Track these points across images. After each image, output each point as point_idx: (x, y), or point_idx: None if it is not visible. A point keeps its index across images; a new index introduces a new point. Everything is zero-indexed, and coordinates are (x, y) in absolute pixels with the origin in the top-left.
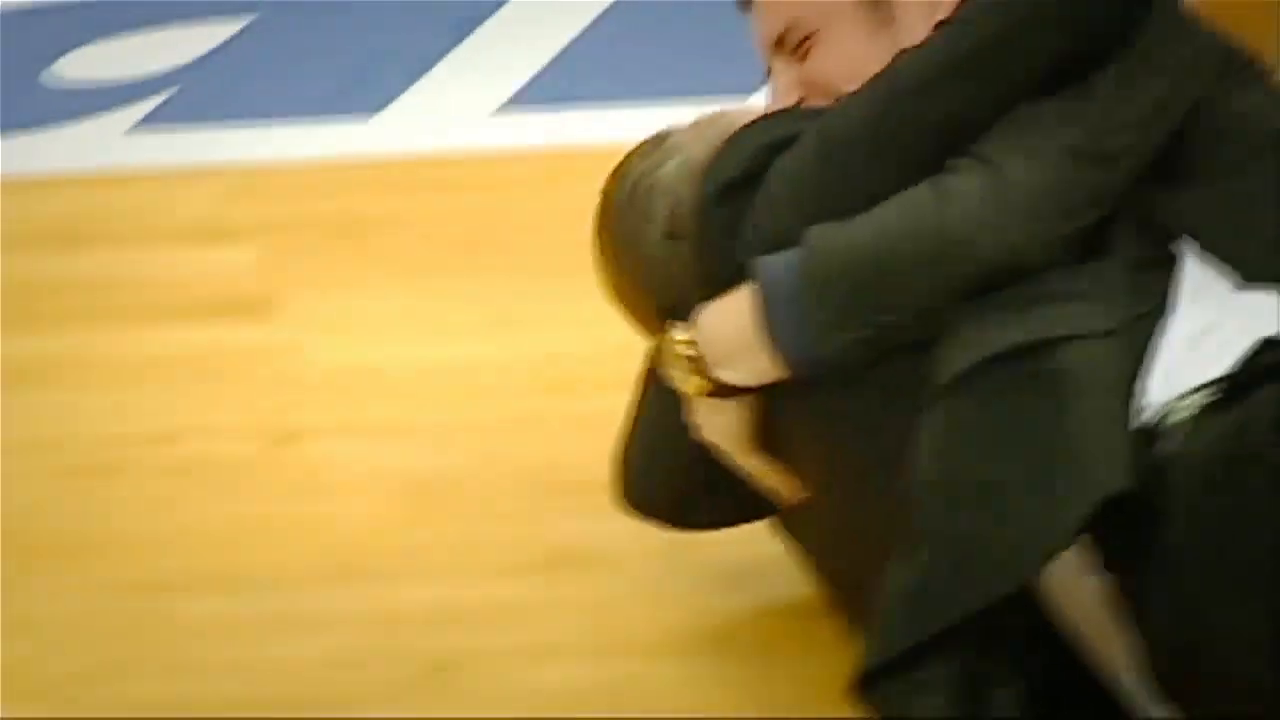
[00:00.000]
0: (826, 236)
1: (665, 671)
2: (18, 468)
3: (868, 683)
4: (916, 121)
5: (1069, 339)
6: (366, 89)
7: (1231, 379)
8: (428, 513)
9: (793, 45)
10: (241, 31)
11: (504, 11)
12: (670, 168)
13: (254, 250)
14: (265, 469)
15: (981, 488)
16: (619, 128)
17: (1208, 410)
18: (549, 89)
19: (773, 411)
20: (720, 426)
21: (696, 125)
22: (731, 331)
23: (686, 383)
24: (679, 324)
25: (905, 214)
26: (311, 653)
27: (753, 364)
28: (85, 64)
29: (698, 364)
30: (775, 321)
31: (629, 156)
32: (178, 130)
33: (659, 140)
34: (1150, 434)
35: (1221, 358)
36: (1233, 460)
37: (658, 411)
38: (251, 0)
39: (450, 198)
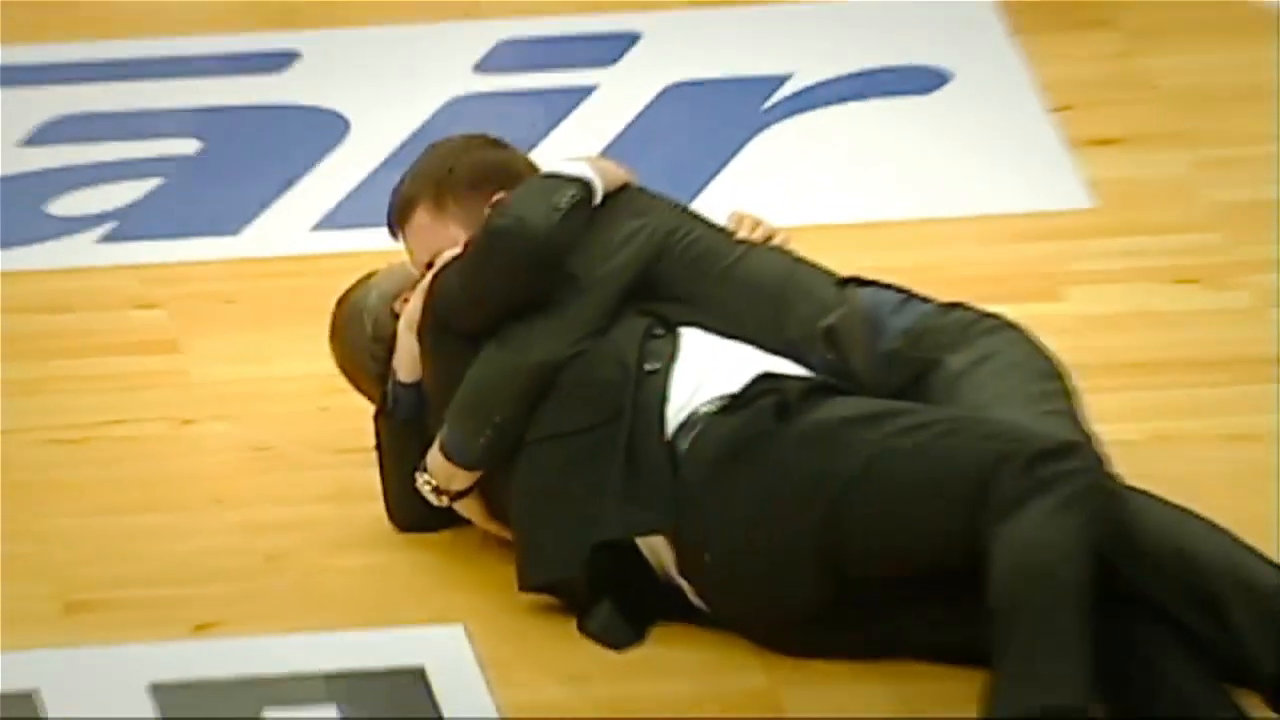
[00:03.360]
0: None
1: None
2: (16, 437)
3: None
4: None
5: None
6: (233, 217)
7: (735, 397)
8: (266, 467)
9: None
10: (156, 188)
11: (321, 165)
12: (373, 297)
13: (166, 312)
14: (173, 440)
15: (557, 503)
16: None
17: (715, 416)
18: (348, 215)
19: (489, 492)
20: (467, 510)
21: (390, 269)
22: (439, 465)
23: (438, 500)
24: (420, 472)
25: (482, 362)
26: (198, 545)
27: (456, 477)
28: (68, 204)
29: (437, 489)
30: (447, 450)
31: (349, 290)
32: (123, 243)
33: (366, 278)
34: (673, 440)
35: (724, 386)
36: (749, 438)
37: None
38: (166, 158)
39: (286, 282)
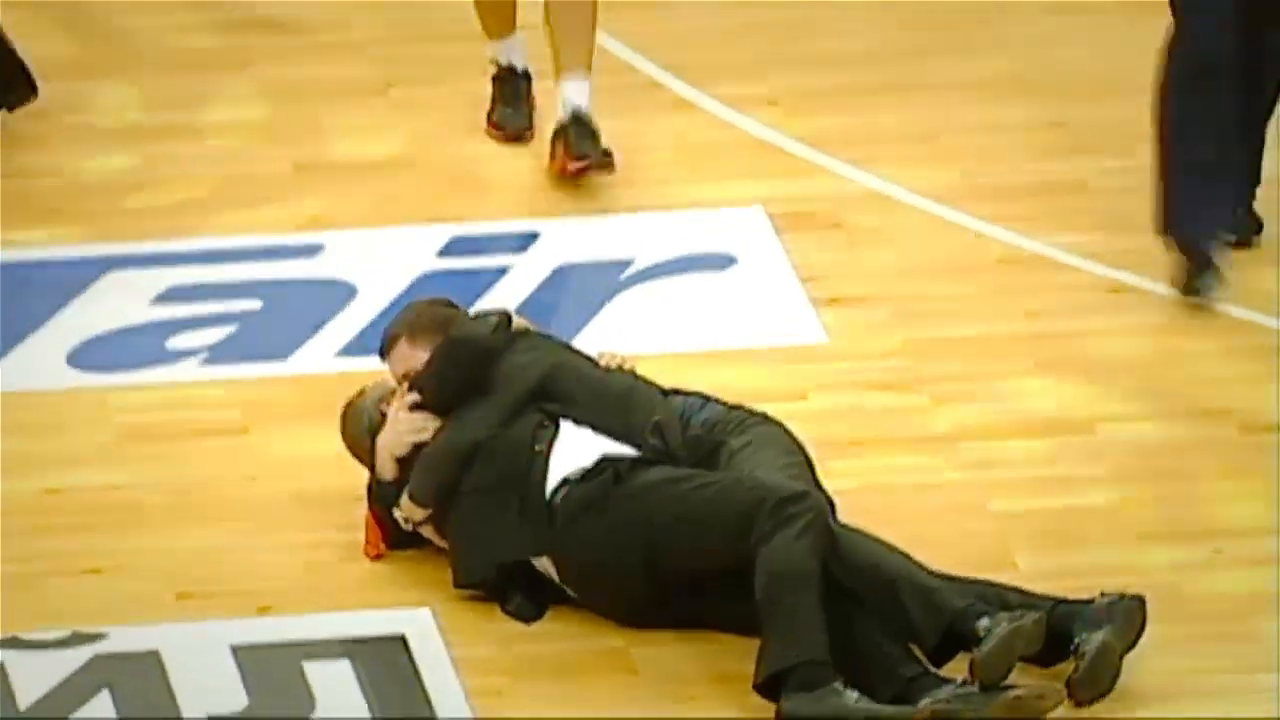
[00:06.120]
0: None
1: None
2: (136, 483)
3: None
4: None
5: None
6: (284, 348)
7: (588, 470)
8: (306, 506)
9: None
10: (234, 331)
11: (339, 316)
12: (368, 402)
13: (239, 410)
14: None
15: (477, 532)
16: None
17: (576, 482)
18: (357, 346)
19: (438, 522)
20: (426, 532)
21: (378, 383)
22: (406, 503)
23: (405, 525)
24: (395, 509)
25: (436, 441)
26: (261, 558)
27: (416, 512)
28: (178, 341)
29: (405, 519)
30: (411, 494)
31: (352, 398)
32: (215, 365)
33: (362, 391)
34: (550, 497)
35: (582, 462)
36: (596, 496)
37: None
38: (240, 313)
39: (318, 387)
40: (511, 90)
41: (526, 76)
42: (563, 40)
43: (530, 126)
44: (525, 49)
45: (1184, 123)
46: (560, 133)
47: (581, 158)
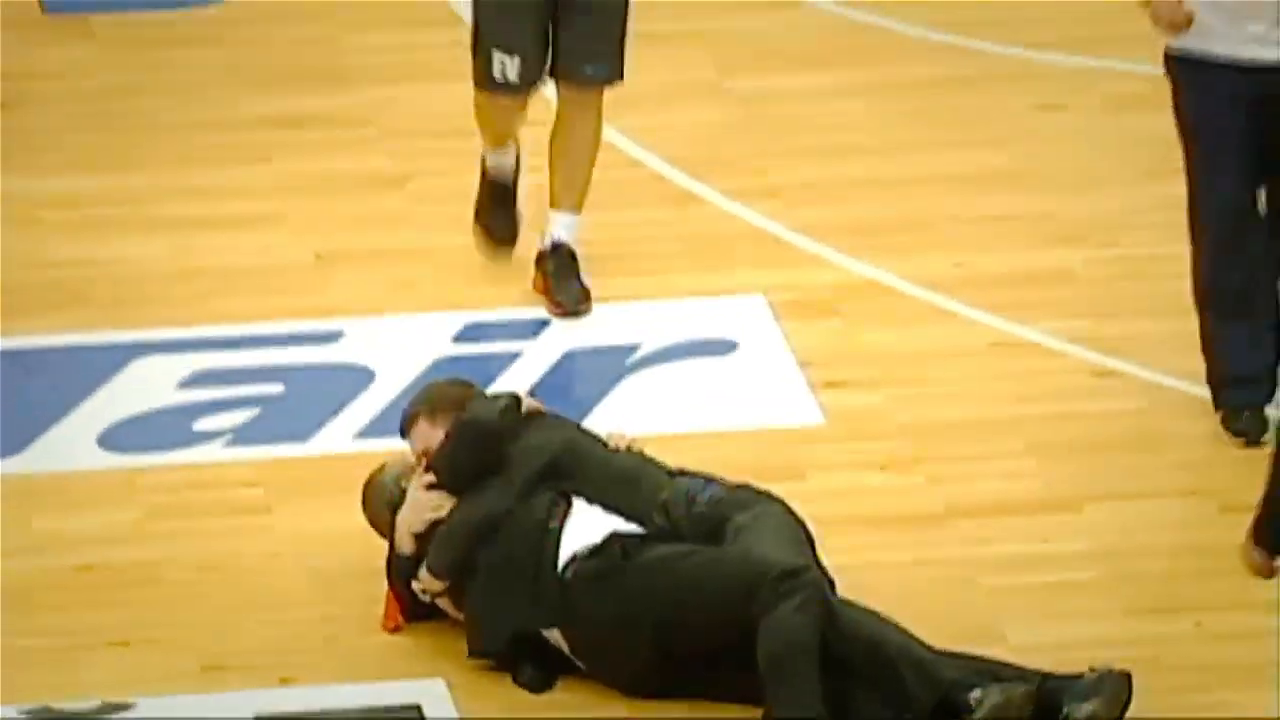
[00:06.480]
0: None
1: None
2: (169, 559)
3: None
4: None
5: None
6: (305, 430)
7: (597, 546)
8: (328, 583)
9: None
10: (257, 414)
11: (359, 399)
12: (388, 477)
13: (263, 489)
14: (270, 561)
15: (492, 604)
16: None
17: (586, 558)
18: (377, 427)
19: (454, 594)
20: (442, 603)
21: (398, 458)
22: (425, 575)
23: (423, 597)
24: (415, 580)
25: (453, 517)
26: (285, 631)
27: (434, 584)
28: (205, 423)
29: (424, 590)
30: (429, 566)
31: (372, 473)
32: (238, 447)
33: (381, 466)
34: (562, 572)
35: (592, 539)
36: (605, 571)
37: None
38: (262, 397)
39: (338, 467)
40: (500, 196)
41: (515, 187)
42: (560, 181)
43: (516, 234)
44: (518, 162)
45: (1218, 274)
46: (541, 261)
47: (558, 305)
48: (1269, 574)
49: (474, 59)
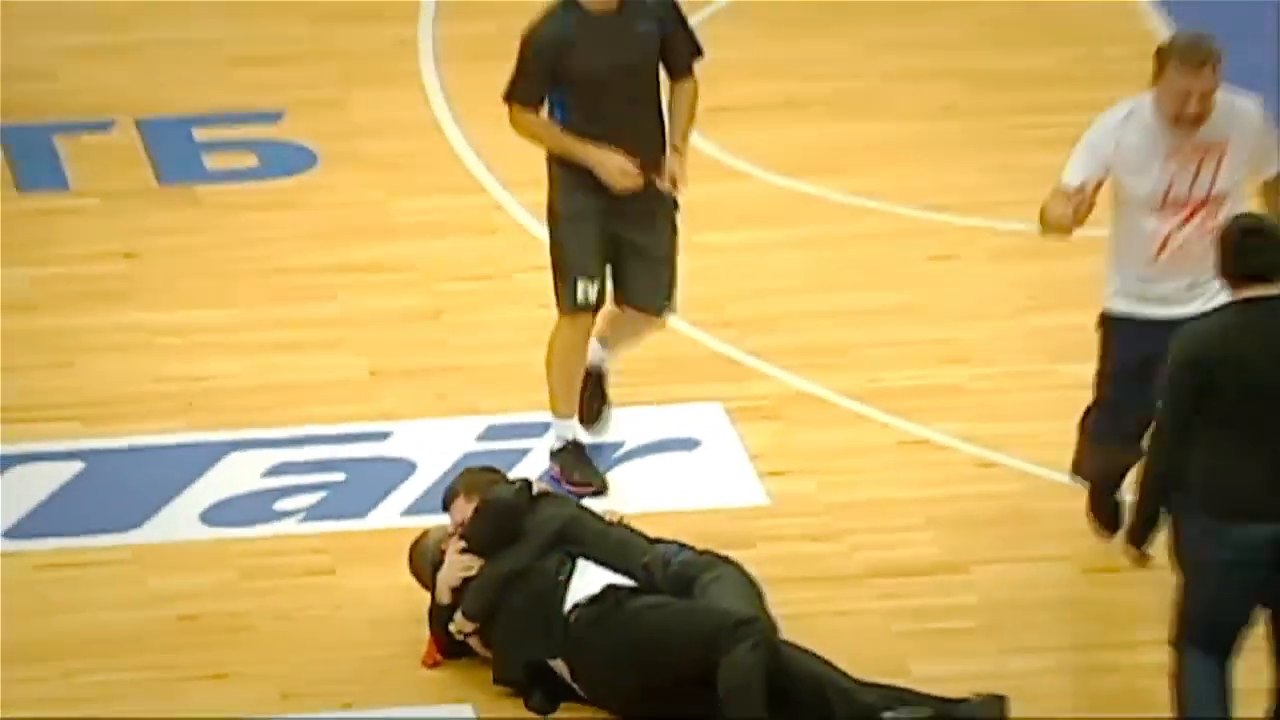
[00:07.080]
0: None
1: None
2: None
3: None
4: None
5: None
6: (362, 509)
7: (596, 596)
8: (377, 630)
9: (457, 523)
10: (323, 498)
11: (406, 483)
12: (431, 541)
13: (329, 555)
14: (330, 611)
15: (511, 641)
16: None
17: (586, 605)
18: (420, 506)
19: (484, 634)
20: (472, 642)
21: (439, 527)
22: (459, 618)
23: (458, 636)
24: (451, 623)
25: (481, 574)
26: (340, 670)
27: (467, 625)
28: (283, 504)
29: (459, 630)
30: (464, 610)
31: (417, 538)
32: (309, 523)
33: (425, 533)
34: (566, 616)
35: (592, 590)
36: (601, 615)
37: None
38: (328, 484)
39: (393, 538)
40: (575, 458)
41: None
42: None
43: (602, 476)
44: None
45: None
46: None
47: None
48: (1144, 563)
49: (558, 284)
